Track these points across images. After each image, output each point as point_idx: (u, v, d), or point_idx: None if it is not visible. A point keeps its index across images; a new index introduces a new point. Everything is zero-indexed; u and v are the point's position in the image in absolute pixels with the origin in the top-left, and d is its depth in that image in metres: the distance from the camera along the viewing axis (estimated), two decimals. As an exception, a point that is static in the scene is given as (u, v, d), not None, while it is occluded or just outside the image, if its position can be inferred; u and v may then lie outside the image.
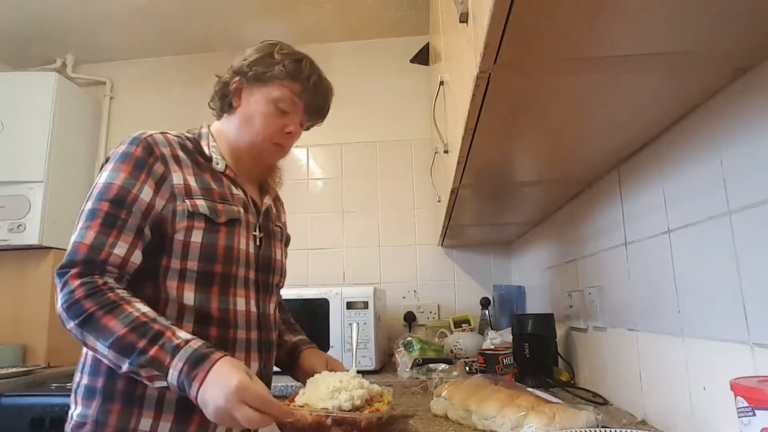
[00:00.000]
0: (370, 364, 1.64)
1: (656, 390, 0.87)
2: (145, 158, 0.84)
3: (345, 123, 2.40)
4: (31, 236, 2.05)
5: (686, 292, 0.77)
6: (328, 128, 2.41)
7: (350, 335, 1.58)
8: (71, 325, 0.74)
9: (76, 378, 0.84)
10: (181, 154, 0.89)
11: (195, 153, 0.92)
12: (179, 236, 0.83)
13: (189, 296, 0.83)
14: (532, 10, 0.48)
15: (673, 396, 0.81)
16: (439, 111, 1.28)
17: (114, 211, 0.79)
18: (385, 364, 1.81)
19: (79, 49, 2.47)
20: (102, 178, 0.83)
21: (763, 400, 0.44)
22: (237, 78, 0.96)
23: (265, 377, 0.92)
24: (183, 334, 0.74)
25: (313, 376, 0.91)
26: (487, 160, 0.97)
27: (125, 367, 0.72)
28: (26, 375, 1.77)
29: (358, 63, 2.45)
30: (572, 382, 1.30)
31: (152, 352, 0.71)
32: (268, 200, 1.05)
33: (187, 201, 0.85)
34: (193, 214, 0.84)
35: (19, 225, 2.06)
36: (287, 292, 2.04)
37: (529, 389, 0.96)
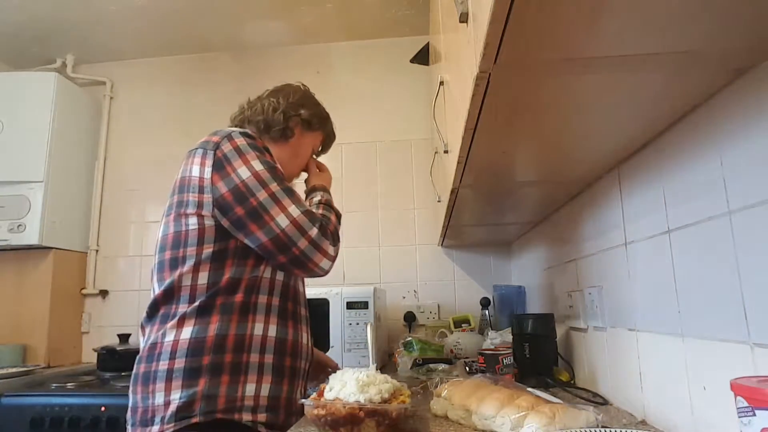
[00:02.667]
0: (368, 364, 1.64)
1: (656, 390, 0.87)
2: (262, 148, 0.99)
3: (345, 123, 2.38)
4: (31, 236, 2.06)
5: (686, 292, 0.77)
6: (328, 128, 2.42)
7: (365, 335, 1.61)
8: (337, 248, 1.00)
9: (162, 366, 0.87)
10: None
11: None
12: None
13: (280, 273, 1.00)
14: (532, 9, 0.48)
15: (673, 396, 0.81)
16: (439, 111, 1.28)
17: (290, 186, 0.98)
18: (385, 364, 1.81)
19: (79, 49, 2.47)
20: (258, 167, 0.94)
21: (763, 400, 0.44)
22: (296, 119, 1.14)
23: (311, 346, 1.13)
24: None
25: (324, 369, 1.07)
26: (487, 160, 0.97)
27: (335, 226, 1.04)
28: (26, 375, 1.77)
29: (358, 63, 2.45)
30: (572, 382, 1.30)
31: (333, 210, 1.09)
32: None
33: None
34: None
35: (19, 225, 2.06)
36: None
37: (529, 389, 0.96)
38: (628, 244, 0.97)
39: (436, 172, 1.80)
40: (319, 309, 1.68)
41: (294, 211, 0.93)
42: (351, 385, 0.88)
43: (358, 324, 1.64)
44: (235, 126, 1.14)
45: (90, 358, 2.18)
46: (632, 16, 0.50)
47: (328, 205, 1.09)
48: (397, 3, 2.16)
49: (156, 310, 0.92)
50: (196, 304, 0.90)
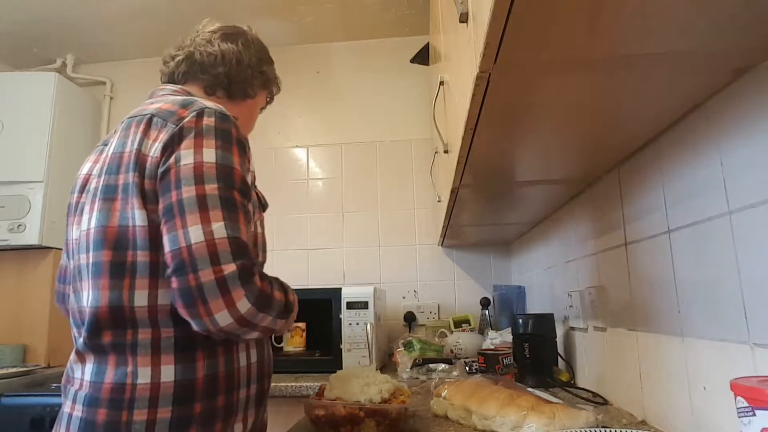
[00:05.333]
0: (368, 364, 1.64)
1: (656, 390, 0.87)
2: (243, 140, 0.78)
3: (345, 123, 2.40)
4: (31, 236, 2.06)
5: (686, 292, 0.77)
6: (328, 128, 2.44)
7: (365, 334, 1.62)
8: (269, 318, 0.72)
9: (138, 416, 0.67)
10: None
11: None
12: (253, 228, 0.80)
13: None
14: (533, 9, 0.48)
15: (673, 396, 0.81)
16: (439, 111, 1.28)
17: (244, 202, 0.74)
18: (385, 364, 1.81)
19: (79, 49, 2.47)
20: (213, 158, 0.72)
21: (763, 400, 0.44)
22: (260, 77, 1.00)
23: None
24: None
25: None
26: (487, 160, 0.97)
27: (286, 325, 0.79)
28: (26, 375, 1.77)
29: (358, 63, 2.45)
30: (572, 382, 1.30)
31: (288, 295, 0.80)
32: None
33: (255, 190, 0.83)
34: (260, 204, 0.85)
35: (19, 225, 2.06)
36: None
37: (529, 389, 0.96)
38: (628, 244, 0.97)
39: (436, 172, 1.80)
40: (320, 309, 1.68)
41: (219, 229, 0.67)
42: (351, 385, 0.88)
43: (358, 324, 1.64)
44: (180, 73, 0.93)
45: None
46: (632, 16, 0.50)
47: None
48: (397, 3, 2.16)
49: (99, 334, 0.70)
50: (171, 335, 0.70)
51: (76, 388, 0.73)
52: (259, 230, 0.84)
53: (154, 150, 0.73)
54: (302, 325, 1.79)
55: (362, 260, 2.27)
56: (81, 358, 0.74)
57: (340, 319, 1.65)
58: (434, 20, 1.59)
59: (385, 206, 2.31)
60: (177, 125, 0.74)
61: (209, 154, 0.71)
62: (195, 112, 0.75)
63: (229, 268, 0.66)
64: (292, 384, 1.48)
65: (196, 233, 0.66)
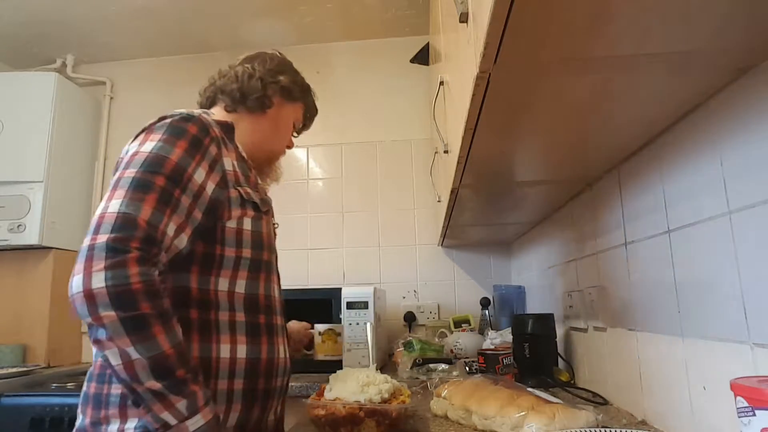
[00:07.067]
0: (368, 364, 1.64)
1: (656, 390, 0.87)
2: (201, 138, 0.79)
3: (345, 123, 2.40)
4: (31, 236, 2.06)
5: (686, 292, 0.77)
6: (328, 128, 2.44)
7: (365, 335, 1.61)
8: (110, 313, 0.62)
9: (115, 390, 0.72)
10: (225, 137, 0.87)
11: (230, 139, 0.89)
12: (232, 224, 0.82)
13: (241, 284, 0.83)
14: (533, 9, 0.48)
15: (673, 396, 0.81)
16: (439, 111, 1.28)
17: (169, 188, 0.72)
18: (385, 364, 1.81)
19: (79, 49, 2.47)
20: (149, 148, 0.75)
21: (763, 400, 0.44)
22: (275, 87, 1.02)
23: (289, 359, 0.95)
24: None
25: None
26: (487, 160, 0.97)
27: (152, 385, 0.64)
28: (26, 375, 1.77)
29: (358, 63, 2.45)
30: (572, 382, 1.30)
31: (192, 387, 0.67)
32: (268, 195, 1.05)
33: (238, 188, 0.84)
34: (245, 202, 0.85)
35: (19, 225, 2.06)
36: (287, 292, 2.04)
37: (529, 389, 0.96)
38: (628, 244, 0.97)
39: (436, 172, 1.80)
40: (320, 309, 1.68)
41: (114, 205, 0.68)
42: (351, 385, 0.88)
43: (358, 324, 1.64)
44: (206, 99, 1.02)
45: (90, 358, 2.17)
46: (632, 16, 0.50)
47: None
48: (397, 3, 2.16)
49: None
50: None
51: None
52: (248, 228, 0.84)
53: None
54: (338, 328, 1.61)
55: (362, 260, 2.27)
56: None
57: (340, 319, 1.65)
58: (434, 20, 1.59)
59: (385, 206, 2.31)
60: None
61: (148, 146, 0.75)
62: (162, 115, 0.81)
63: (102, 237, 0.65)
64: (292, 384, 1.48)
65: (99, 209, 0.69)
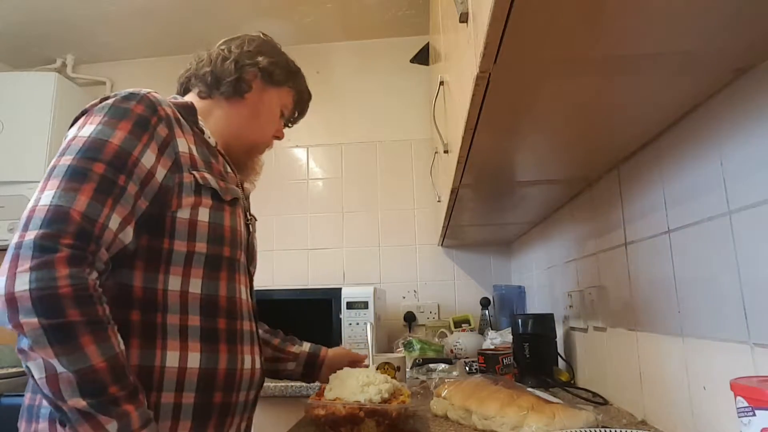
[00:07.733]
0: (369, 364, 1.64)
1: (656, 390, 0.87)
2: (148, 117, 0.71)
3: (345, 123, 2.40)
4: (31, 236, 2.05)
5: (686, 292, 0.77)
6: (328, 128, 2.44)
7: (365, 334, 1.60)
8: (32, 320, 0.56)
9: (45, 402, 0.64)
10: (182, 118, 0.78)
11: (191, 121, 0.82)
12: (184, 214, 0.72)
13: (196, 283, 0.73)
14: (532, 9, 0.48)
15: (673, 396, 0.81)
16: (439, 111, 1.28)
17: (111, 176, 0.64)
18: (385, 364, 1.80)
19: (79, 49, 2.47)
20: (87, 132, 0.67)
21: (763, 400, 0.44)
22: (253, 69, 0.91)
23: (261, 371, 0.85)
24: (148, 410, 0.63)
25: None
26: (487, 160, 0.97)
27: (76, 403, 0.57)
28: (26, 375, 1.76)
29: (358, 63, 2.45)
30: (572, 382, 1.30)
31: (125, 406, 0.59)
32: (249, 186, 0.96)
33: (194, 173, 0.74)
34: (201, 189, 0.74)
35: (19, 225, 2.06)
36: (287, 292, 2.05)
37: (529, 389, 0.96)
38: (628, 244, 0.97)
39: (436, 172, 1.80)
40: (320, 309, 1.68)
41: (46, 197, 0.61)
42: (351, 385, 0.88)
43: (358, 324, 1.64)
44: (180, 86, 0.95)
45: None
46: (632, 16, 0.50)
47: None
48: (397, 3, 2.16)
49: None
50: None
51: None
52: (204, 219, 0.74)
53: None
54: (395, 360, 1.25)
55: (362, 260, 2.27)
56: None
57: (340, 319, 1.65)
58: (434, 20, 1.59)
59: (385, 206, 2.31)
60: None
61: (87, 130, 0.67)
62: (105, 96, 0.74)
63: (30, 234, 0.59)
64: (292, 384, 1.48)
65: (30, 202, 0.63)
